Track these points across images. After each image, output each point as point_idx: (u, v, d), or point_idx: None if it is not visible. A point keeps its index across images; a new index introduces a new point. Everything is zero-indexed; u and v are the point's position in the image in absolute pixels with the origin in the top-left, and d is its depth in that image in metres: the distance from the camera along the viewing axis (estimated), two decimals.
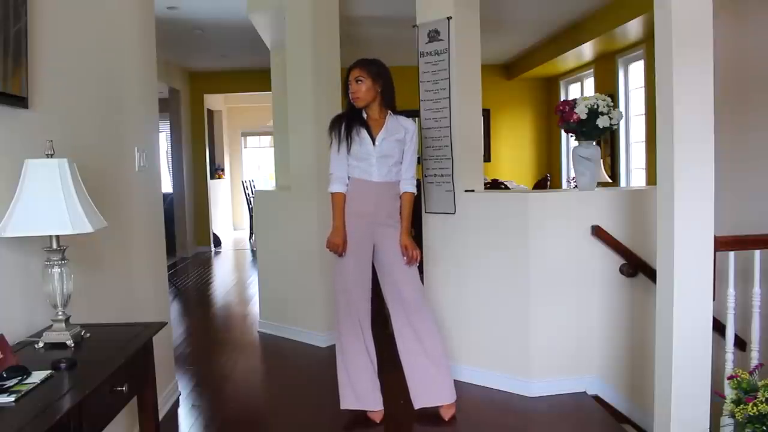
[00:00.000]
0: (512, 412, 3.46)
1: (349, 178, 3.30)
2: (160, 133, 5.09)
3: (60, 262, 1.91)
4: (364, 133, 3.25)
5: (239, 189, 12.61)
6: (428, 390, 3.33)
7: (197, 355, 4.76)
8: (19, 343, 1.92)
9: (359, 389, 3.31)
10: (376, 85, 3.24)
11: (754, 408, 2.23)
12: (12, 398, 1.48)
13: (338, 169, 3.28)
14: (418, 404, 3.35)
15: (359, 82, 3.23)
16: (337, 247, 3.26)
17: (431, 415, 3.34)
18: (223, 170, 12.21)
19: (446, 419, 3.31)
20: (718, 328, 2.78)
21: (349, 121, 3.27)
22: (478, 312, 3.83)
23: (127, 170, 3.13)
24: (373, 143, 3.24)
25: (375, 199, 3.29)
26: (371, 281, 3.36)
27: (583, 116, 3.56)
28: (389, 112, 3.32)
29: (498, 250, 3.72)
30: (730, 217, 3.25)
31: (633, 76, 7.35)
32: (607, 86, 7.55)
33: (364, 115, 3.31)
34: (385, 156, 3.24)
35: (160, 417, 2.80)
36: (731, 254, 2.65)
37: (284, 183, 5.40)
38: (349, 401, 3.33)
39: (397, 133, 3.28)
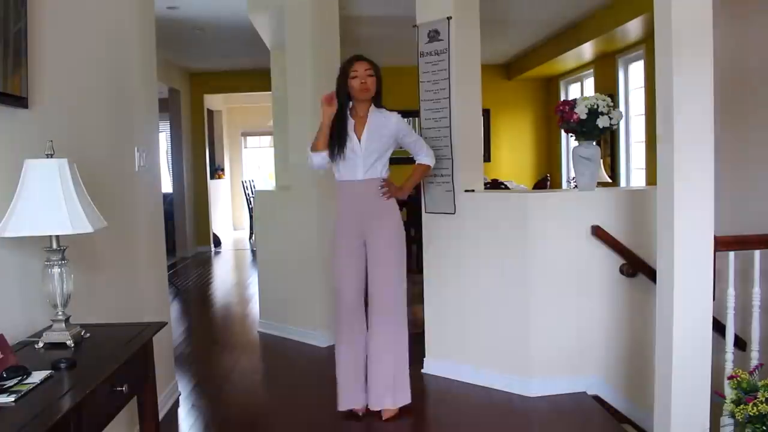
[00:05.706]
0: (512, 412, 3.46)
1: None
2: (160, 133, 5.09)
3: (60, 262, 1.91)
4: (349, 130, 3.27)
5: (239, 189, 12.61)
6: (370, 392, 3.34)
7: (197, 355, 4.76)
8: (19, 343, 1.92)
9: (343, 386, 3.35)
10: (377, 83, 3.29)
11: (754, 408, 2.23)
12: (12, 398, 1.48)
13: (317, 158, 3.31)
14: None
15: (372, 76, 3.26)
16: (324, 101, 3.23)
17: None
18: (223, 170, 12.20)
19: (384, 419, 3.31)
20: (718, 328, 2.78)
21: (340, 123, 3.27)
22: (478, 312, 3.83)
23: (127, 170, 3.13)
24: (359, 141, 3.26)
25: (362, 199, 3.32)
26: (365, 277, 3.36)
27: (583, 116, 3.56)
28: (372, 106, 3.33)
29: (498, 250, 3.72)
30: (730, 217, 3.25)
31: (633, 76, 7.35)
32: (607, 86, 7.54)
33: (348, 113, 3.32)
34: (370, 153, 3.27)
35: (160, 417, 2.80)
36: (731, 254, 2.65)
37: (284, 183, 5.40)
38: (339, 402, 3.38)
39: (383, 127, 3.29)
